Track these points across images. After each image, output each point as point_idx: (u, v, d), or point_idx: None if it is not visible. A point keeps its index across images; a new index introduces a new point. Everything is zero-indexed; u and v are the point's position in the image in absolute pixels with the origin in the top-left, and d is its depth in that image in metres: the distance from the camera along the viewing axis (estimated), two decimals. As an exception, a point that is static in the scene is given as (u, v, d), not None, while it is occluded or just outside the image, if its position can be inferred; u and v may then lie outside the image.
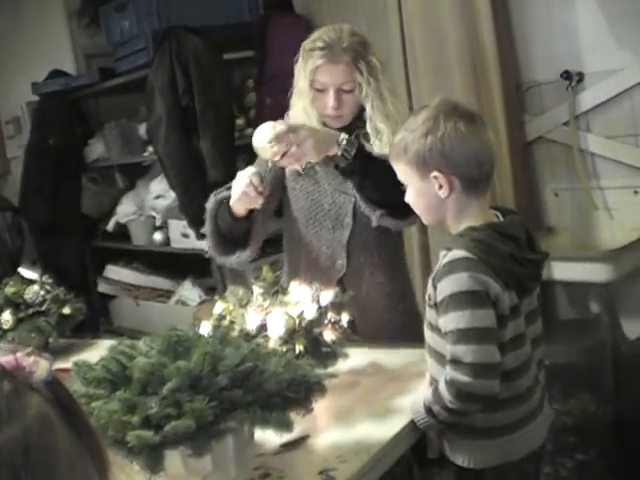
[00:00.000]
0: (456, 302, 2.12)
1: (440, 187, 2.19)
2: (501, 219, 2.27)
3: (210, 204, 2.99)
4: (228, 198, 2.87)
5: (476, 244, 2.13)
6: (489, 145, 2.27)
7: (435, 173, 2.18)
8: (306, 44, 2.90)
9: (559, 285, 4.32)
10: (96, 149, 6.14)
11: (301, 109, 2.95)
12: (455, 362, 2.10)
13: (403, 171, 2.27)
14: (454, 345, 2.11)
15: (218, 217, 2.93)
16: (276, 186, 3.06)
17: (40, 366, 1.18)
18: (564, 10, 4.14)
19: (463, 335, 2.10)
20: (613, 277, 3.79)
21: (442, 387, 2.12)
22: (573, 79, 4.12)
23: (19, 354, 1.18)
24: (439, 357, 2.23)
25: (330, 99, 2.86)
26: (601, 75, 4.07)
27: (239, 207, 2.80)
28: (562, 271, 3.94)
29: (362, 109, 2.92)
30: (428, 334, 2.27)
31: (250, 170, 2.74)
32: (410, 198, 2.30)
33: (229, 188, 2.93)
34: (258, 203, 2.71)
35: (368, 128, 2.87)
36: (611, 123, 4.09)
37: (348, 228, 2.93)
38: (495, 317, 2.10)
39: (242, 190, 2.70)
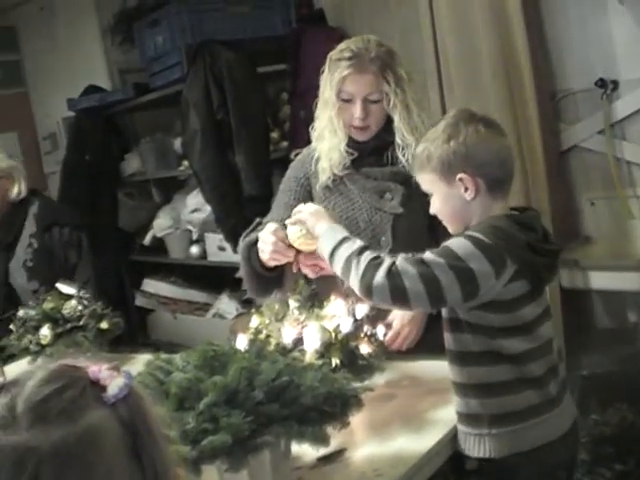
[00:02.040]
0: (466, 236, 2.14)
1: (466, 190, 2.21)
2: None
3: (241, 248, 2.97)
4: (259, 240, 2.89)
5: (492, 229, 2.14)
6: (509, 146, 2.32)
7: (461, 175, 2.20)
8: (333, 54, 2.89)
9: (596, 295, 4.29)
10: (132, 164, 6.19)
11: (327, 120, 2.93)
12: (419, 259, 2.09)
13: (428, 180, 2.29)
14: (433, 253, 2.11)
15: (251, 260, 2.89)
16: None
17: (114, 382, 1.19)
18: (597, 18, 4.12)
19: (448, 253, 2.10)
20: (650, 286, 3.76)
21: (389, 259, 2.10)
22: (608, 87, 4.10)
23: (104, 366, 1.20)
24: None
25: (357, 109, 2.84)
26: (636, 83, 4.05)
27: (272, 263, 2.75)
28: (599, 280, 3.93)
29: (387, 121, 2.90)
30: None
31: (272, 227, 2.68)
32: (435, 207, 2.31)
33: (256, 227, 2.95)
34: (290, 256, 2.64)
35: (397, 139, 2.86)
36: (646, 131, 4.07)
37: (386, 247, 2.85)
38: (491, 279, 2.09)
39: (271, 250, 2.64)
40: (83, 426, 1.14)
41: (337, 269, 2.21)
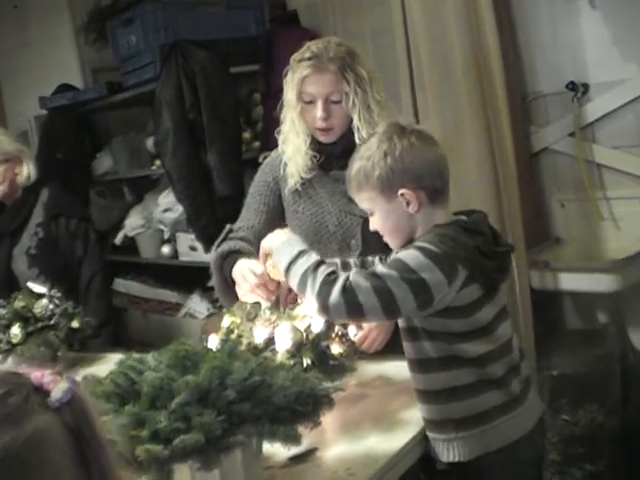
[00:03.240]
0: (416, 247, 2.14)
1: (408, 204, 2.22)
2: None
3: (213, 258, 2.98)
4: (231, 252, 2.89)
5: (441, 238, 2.15)
6: (444, 155, 2.30)
7: (402, 190, 2.20)
8: (295, 56, 2.91)
9: (566, 296, 4.33)
10: (104, 163, 6.17)
11: (290, 122, 2.95)
12: (372, 273, 2.11)
13: (367, 198, 2.29)
14: (384, 266, 2.14)
15: (224, 270, 2.90)
16: (275, 216, 3.05)
17: (58, 387, 1.20)
18: (569, 21, 4.15)
19: (400, 265, 2.11)
20: (620, 287, 3.79)
21: (343, 275, 2.11)
22: (578, 90, 4.12)
23: (47, 372, 1.20)
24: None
25: (319, 110, 2.85)
26: (606, 86, 4.08)
27: (251, 299, 2.70)
28: (569, 282, 3.96)
29: (351, 123, 2.90)
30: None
31: (251, 265, 2.65)
32: (377, 224, 2.31)
33: (226, 236, 2.98)
34: (267, 299, 2.63)
35: (356, 139, 2.85)
36: (616, 134, 4.10)
37: (356, 250, 2.89)
38: (444, 288, 2.10)
39: (252, 287, 2.63)
40: (28, 431, 1.14)
41: (293, 284, 2.21)
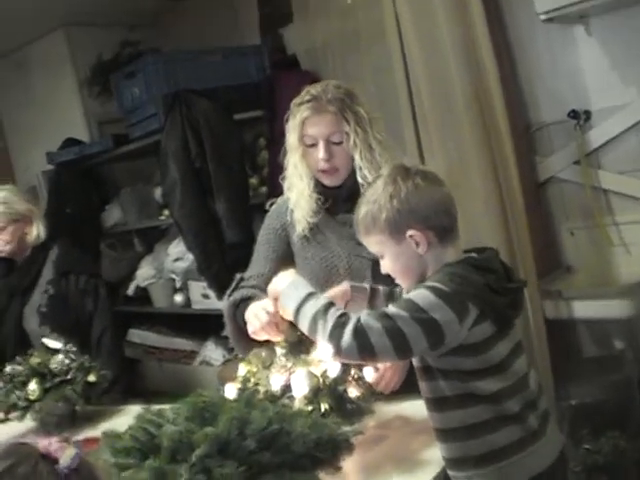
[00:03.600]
0: (426, 287, 2.14)
1: (417, 245, 2.21)
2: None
3: (226, 307, 3.01)
4: (243, 299, 2.90)
5: (450, 277, 2.15)
6: (449, 194, 2.29)
7: (410, 232, 2.20)
8: (295, 100, 2.94)
9: (581, 323, 4.31)
10: (113, 215, 6.20)
11: (292, 167, 2.97)
12: (383, 314, 2.10)
13: (376, 242, 2.29)
14: (395, 306, 2.12)
15: (237, 318, 2.92)
16: (284, 263, 3.00)
17: (66, 453, 1.20)
18: (567, 50, 4.17)
19: (410, 305, 2.10)
20: (634, 312, 3.78)
21: (354, 317, 2.10)
22: (580, 118, 4.14)
23: (54, 439, 1.21)
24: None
25: (320, 151, 2.87)
26: (608, 111, 4.10)
27: (262, 337, 2.70)
28: (583, 309, 3.95)
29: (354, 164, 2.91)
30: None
31: (263, 304, 2.65)
32: (387, 267, 2.31)
33: (238, 285, 3.00)
34: (278, 337, 2.64)
35: (358, 178, 2.87)
36: (621, 158, 4.11)
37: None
38: (455, 327, 2.10)
39: (262, 325, 2.62)
40: None
41: (303, 327, 2.20)
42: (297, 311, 2.21)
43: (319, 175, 2.96)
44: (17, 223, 4.20)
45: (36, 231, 4.26)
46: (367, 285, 2.58)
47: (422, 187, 2.22)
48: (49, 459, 1.20)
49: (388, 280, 2.43)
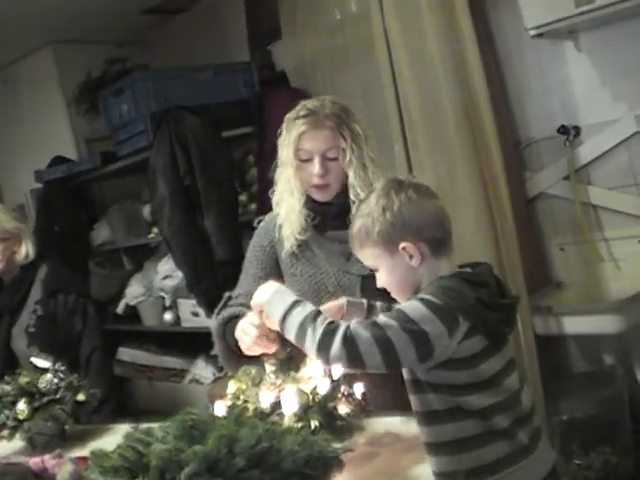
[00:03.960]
0: (417, 299, 2.13)
1: (411, 257, 2.21)
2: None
3: (215, 326, 2.99)
4: (232, 317, 2.89)
5: (443, 290, 2.14)
6: (442, 207, 2.29)
7: (403, 244, 2.20)
8: (290, 115, 2.91)
9: (571, 339, 4.32)
10: (102, 233, 6.18)
11: (285, 182, 2.94)
12: (373, 322, 2.09)
13: (370, 255, 2.29)
14: (386, 316, 2.11)
15: (226, 337, 2.92)
16: (272, 280, 3.00)
17: (63, 469, 1.18)
18: (556, 65, 4.19)
19: (401, 316, 2.09)
20: (624, 328, 3.78)
21: (343, 325, 2.09)
22: (570, 133, 4.16)
23: (47, 457, 1.19)
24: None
25: (316, 166, 2.85)
26: (597, 127, 4.11)
27: (253, 352, 2.69)
28: (573, 325, 3.95)
29: (346, 180, 2.90)
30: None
31: (249, 319, 2.63)
32: (382, 280, 2.30)
33: (227, 302, 3.00)
34: (271, 349, 2.61)
35: (351, 195, 2.85)
36: (611, 174, 4.13)
37: None
38: (444, 340, 2.09)
39: (253, 340, 2.60)
40: None
41: (290, 335, 2.19)
42: (283, 319, 2.20)
43: (311, 190, 2.94)
44: (6, 242, 4.18)
45: (25, 250, 4.24)
46: (364, 300, 2.57)
47: (415, 200, 2.22)
48: (43, 476, 1.18)
49: (378, 296, 2.42)
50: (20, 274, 4.26)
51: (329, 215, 2.95)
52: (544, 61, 4.23)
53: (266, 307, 2.31)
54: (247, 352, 2.67)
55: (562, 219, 4.34)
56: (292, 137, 2.88)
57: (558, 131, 4.18)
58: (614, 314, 3.78)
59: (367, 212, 2.26)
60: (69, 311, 4.27)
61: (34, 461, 1.19)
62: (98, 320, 4.45)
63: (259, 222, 3.18)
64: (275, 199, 3.01)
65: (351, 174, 2.86)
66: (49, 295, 4.26)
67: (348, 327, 2.08)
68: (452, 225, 2.31)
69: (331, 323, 2.11)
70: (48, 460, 1.19)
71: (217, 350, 3.03)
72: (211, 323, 3.07)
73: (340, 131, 2.84)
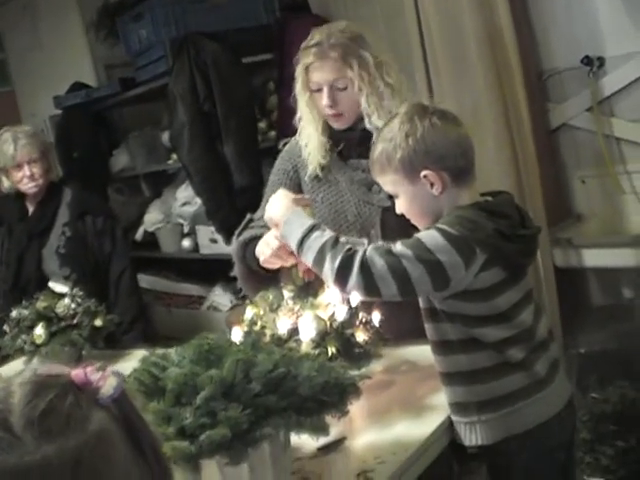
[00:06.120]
0: (435, 228, 2.13)
1: (432, 185, 2.19)
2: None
3: (235, 248, 2.99)
4: (252, 239, 2.87)
5: (460, 220, 2.13)
6: (467, 135, 2.27)
7: (425, 172, 2.18)
8: (303, 44, 2.90)
9: (591, 272, 4.29)
10: (121, 159, 6.17)
11: (302, 109, 2.95)
12: (388, 250, 2.10)
13: (391, 182, 2.27)
14: (403, 244, 2.11)
15: (247, 259, 2.91)
16: None
17: (108, 382, 1.16)
18: (581, -5, 4.11)
19: (418, 244, 2.10)
20: (645, 261, 3.76)
21: (360, 251, 2.11)
22: (594, 64, 4.08)
23: (89, 369, 1.16)
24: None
25: (324, 97, 2.84)
26: (622, 59, 4.03)
27: (268, 265, 2.72)
28: (593, 258, 3.92)
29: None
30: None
31: (273, 232, 2.60)
32: (402, 207, 2.29)
33: (247, 224, 2.97)
34: (289, 260, 2.60)
35: (366, 123, 2.84)
36: (635, 106, 4.06)
37: (376, 240, 2.85)
38: (460, 271, 2.09)
39: (271, 254, 2.61)
40: (92, 432, 1.10)
41: (307, 259, 2.19)
42: (301, 242, 2.20)
43: (327, 118, 2.93)
44: (44, 159, 4.26)
45: (55, 167, 4.31)
46: (365, 241, 2.55)
47: (439, 127, 2.19)
48: (86, 389, 1.15)
49: (397, 228, 2.40)
50: (45, 198, 4.30)
51: (352, 142, 2.94)
52: (569, -12, 4.16)
53: (283, 227, 2.30)
54: (265, 264, 2.68)
55: (584, 151, 4.29)
56: (301, 68, 2.88)
57: (582, 62, 4.10)
58: (634, 247, 3.76)
59: (389, 137, 2.23)
60: (98, 233, 4.32)
61: (76, 373, 1.16)
62: (126, 242, 4.49)
63: (284, 145, 3.17)
64: (300, 124, 3.00)
65: (363, 101, 2.83)
66: (77, 217, 4.30)
67: (364, 254, 2.06)
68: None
69: (349, 250, 2.10)
70: (91, 372, 1.16)
71: (236, 272, 3.03)
72: (231, 245, 3.06)
73: (346, 60, 2.81)
